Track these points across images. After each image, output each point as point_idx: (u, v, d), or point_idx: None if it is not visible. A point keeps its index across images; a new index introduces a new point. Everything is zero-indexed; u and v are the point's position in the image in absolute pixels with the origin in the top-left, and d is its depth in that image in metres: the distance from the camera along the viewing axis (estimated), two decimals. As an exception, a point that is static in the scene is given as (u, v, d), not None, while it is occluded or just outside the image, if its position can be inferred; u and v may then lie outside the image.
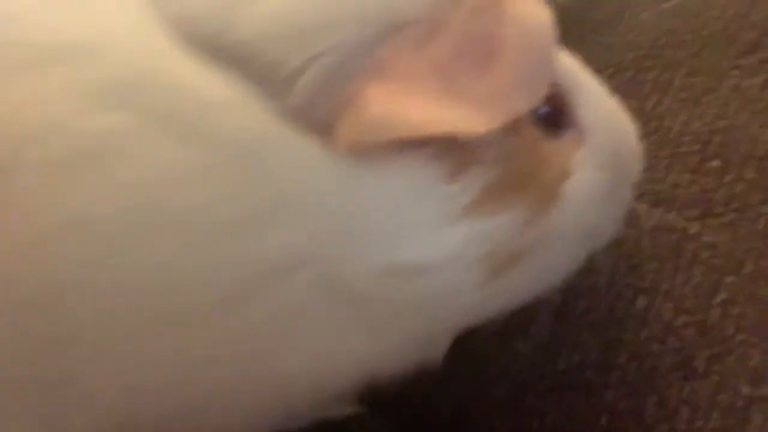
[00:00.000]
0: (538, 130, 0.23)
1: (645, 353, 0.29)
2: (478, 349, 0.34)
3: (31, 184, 0.18)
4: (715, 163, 0.31)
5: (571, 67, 0.26)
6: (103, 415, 0.20)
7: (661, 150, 0.33)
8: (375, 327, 0.23)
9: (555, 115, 0.24)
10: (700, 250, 0.30)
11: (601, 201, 0.25)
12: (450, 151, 0.21)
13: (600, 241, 0.27)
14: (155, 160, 0.18)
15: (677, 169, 0.32)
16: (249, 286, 0.20)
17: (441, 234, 0.21)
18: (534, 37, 0.21)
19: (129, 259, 0.18)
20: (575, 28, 0.40)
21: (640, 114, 0.34)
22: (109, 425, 0.20)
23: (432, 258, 0.21)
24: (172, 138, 0.18)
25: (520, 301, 0.26)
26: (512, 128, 0.22)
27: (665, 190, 0.32)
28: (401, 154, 0.20)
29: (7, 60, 0.18)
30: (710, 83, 0.33)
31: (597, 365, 0.30)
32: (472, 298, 0.23)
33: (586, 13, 0.40)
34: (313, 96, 0.20)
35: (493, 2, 0.21)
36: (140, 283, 0.18)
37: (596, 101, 0.26)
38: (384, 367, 0.24)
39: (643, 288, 0.30)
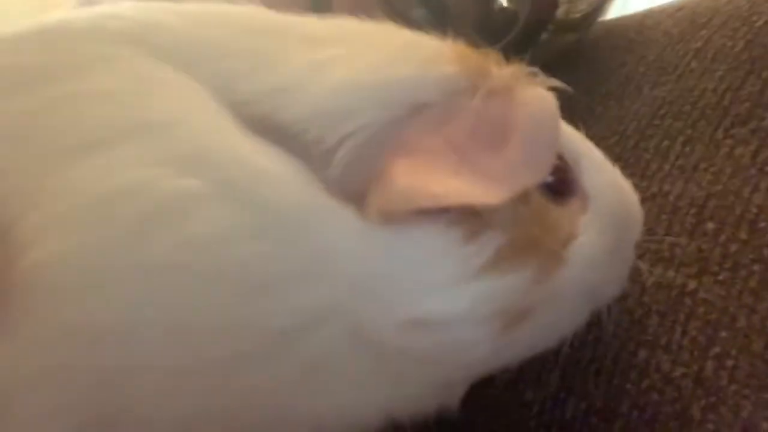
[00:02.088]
0: (546, 198, 0.25)
1: (645, 402, 0.30)
2: (491, 397, 0.35)
3: (115, 234, 0.20)
4: (711, 225, 0.33)
5: (574, 138, 0.28)
6: None
7: (661, 213, 0.35)
8: (396, 375, 0.24)
9: (560, 183, 0.26)
10: (696, 306, 0.31)
11: (605, 262, 0.27)
12: (466, 218, 0.23)
13: (604, 298, 0.29)
14: (216, 220, 0.21)
15: (676, 230, 0.34)
16: (285, 335, 0.22)
17: (458, 291, 0.23)
18: (540, 120, 0.24)
19: (185, 306, 0.20)
20: (584, 100, 0.43)
21: (642, 178, 0.37)
22: None
23: (450, 313, 0.23)
24: (230, 202, 0.21)
25: (530, 352, 0.27)
26: (522, 198, 0.24)
27: (665, 249, 0.33)
28: (423, 220, 0.23)
29: (101, 133, 0.21)
30: (706, 151, 0.35)
31: (602, 413, 0.31)
32: (485, 350, 0.25)
33: (595, 87, 0.43)
34: (346, 170, 0.22)
35: (504, 89, 0.24)
36: (194, 326, 0.21)
37: (598, 169, 0.28)
38: (404, 411, 0.26)
39: (644, 341, 0.32)
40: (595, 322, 0.34)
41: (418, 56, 0.24)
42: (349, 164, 0.22)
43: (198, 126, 0.21)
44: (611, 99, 0.42)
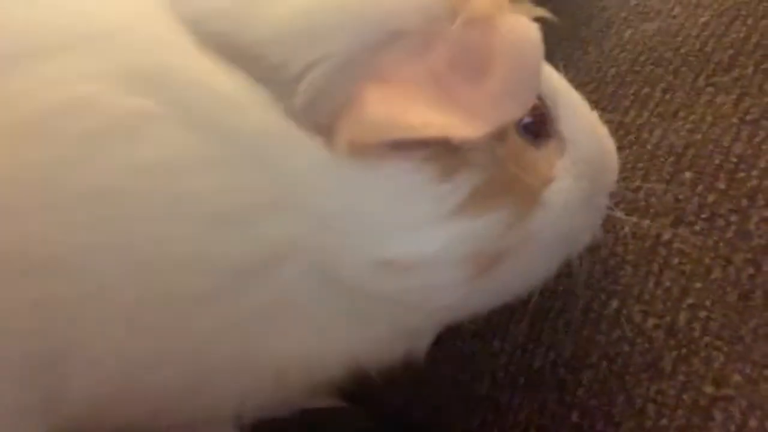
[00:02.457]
0: (523, 139, 0.24)
1: (615, 354, 0.30)
2: (458, 348, 0.35)
3: (58, 153, 0.19)
4: (689, 174, 0.32)
5: (554, 81, 0.27)
6: (100, 384, 0.21)
7: (638, 161, 0.34)
8: (364, 317, 0.24)
9: (538, 125, 0.25)
10: (670, 257, 0.31)
11: (579, 208, 0.26)
12: (442, 154, 0.22)
13: (577, 246, 0.28)
14: (170, 144, 0.19)
15: (652, 179, 0.33)
16: (246, 271, 0.21)
17: (431, 231, 0.22)
18: (523, 50, 0.22)
19: (138, 235, 0.19)
20: (563, 45, 0.41)
21: (619, 126, 0.36)
22: (105, 396, 0.21)
23: (421, 254, 0.22)
24: (186, 126, 0.19)
25: (501, 299, 0.27)
26: (499, 136, 0.23)
27: (640, 198, 0.33)
28: (397, 155, 0.21)
29: (45, 41, 0.19)
30: (686, 99, 0.34)
31: (570, 364, 0.31)
32: (456, 294, 0.24)
33: (574, 31, 0.42)
34: (315, 98, 0.21)
35: (485, 16, 0.22)
36: (145, 259, 0.19)
37: (577, 114, 0.27)
38: (371, 357, 0.25)
39: (616, 291, 0.31)
40: (565, 273, 0.33)
41: None
42: (317, 94, 0.21)
43: (150, 38, 0.20)
44: (590, 44, 0.40)
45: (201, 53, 0.20)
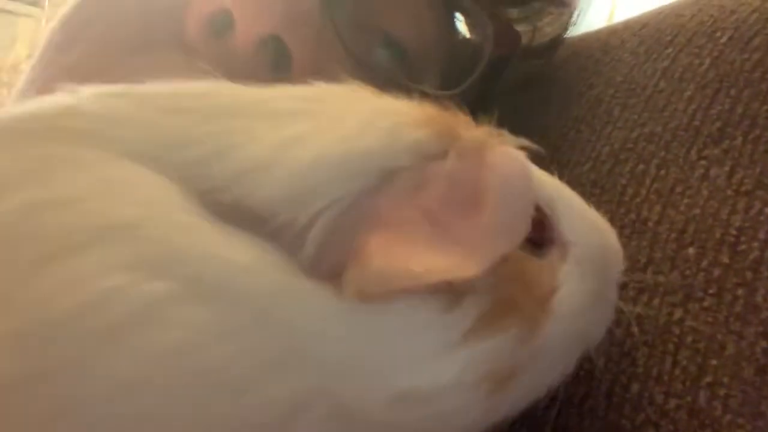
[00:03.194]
0: (525, 251, 0.25)
1: (642, 437, 0.30)
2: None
3: (81, 352, 0.19)
4: (692, 251, 0.33)
5: (548, 184, 0.28)
6: None
7: (641, 239, 0.35)
8: None
9: (539, 234, 0.26)
10: (684, 335, 0.31)
11: (589, 307, 0.27)
12: (446, 286, 0.23)
13: (592, 342, 0.29)
14: (188, 323, 0.20)
15: (657, 257, 0.34)
16: (268, 427, 0.21)
17: (444, 361, 0.23)
18: (513, 182, 0.23)
19: (165, 416, 0.20)
20: (557, 124, 0.43)
21: (619, 205, 0.37)
22: None
23: (437, 383, 0.23)
24: (201, 301, 0.20)
25: (522, 406, 0.27)
26: (501, 259, 0.23)
27: (648, 278, 0.33)
28: (403, 294, 0.22)
29: (65, 241, 0.20)
30: (681, 174, 0.35)
31: (599, 450, 0.31)
32: (475, 413, 0.24)
33: (565, 111, 0.43)
34: (321, 248, 0.22)
35: (474, 151, 0.24)
36: None
37: (576, 214, 0.28)
38: None
39: (635, 373, 0.32)
40: (585, 357, 0.34)
41: (386, 123, 0.24)
42: (323, 242, 0.22)
43: (164, 224, 0.21)
44: (582, 123, 0.42)
45: (212, 227, 0.21)
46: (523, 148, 0.24)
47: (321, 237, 0.22)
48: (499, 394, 0.24)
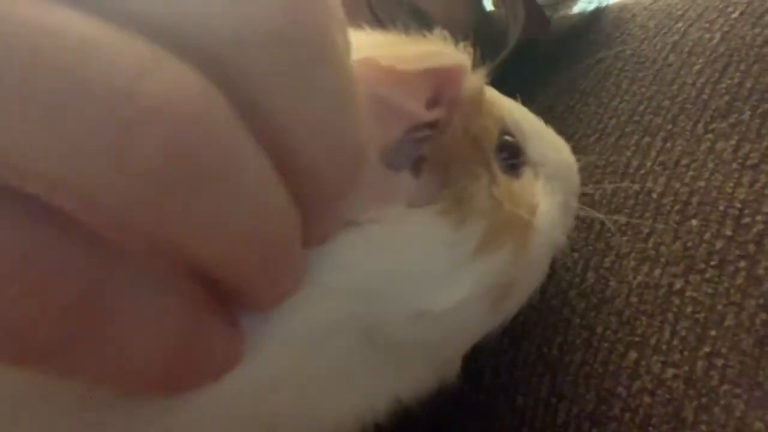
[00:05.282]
0: (507, 176, 0.27)
1: (637, 405, 0.30)
2: (483, 404, 0.35)
3: None
4: (695, 222, 0.33)
5: (516, 111, 0.30)
6: None
7: (645, 210, 0.35)
8: (402, 362, 0.25)
9: (513, 157, 0.28)
10: (684, 305, 0.31)
11: (561, 218, 0.30)
12: (452, 208, 0.24)
13: (558, 248, 0.31)
14: None
15: (660, 228, 0.34)
16: (309, 346, 0.22)
17: (456, 279, 0.24)
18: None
19: None
20: (564, 97, 0.43)
21: (623, 176, 0.37)
22: None
23: (451, 300, 0.24)
24: None
25: (513, 313, 0.29)
26: (492, 179, 0.26)
27: (650, 248, 0.33)
28: (415, 211, 0.24)
29: None
30: (687, 147, 0.35)
31: (594, 417, 0.31)
32: (481, 324, 0.27)
33: (573, 84, 0.43)
34: None
35: None
36: None
37: (539, 137, 0.30)
38: (410, 393, 0.27)
39: (633, 342, 0.32)
40: (583, 325, 0.34)
41: None
42: None
43: None
44: (590, 95, 0.41)
45: None
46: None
47: None
48: (500, 305, 0.26)
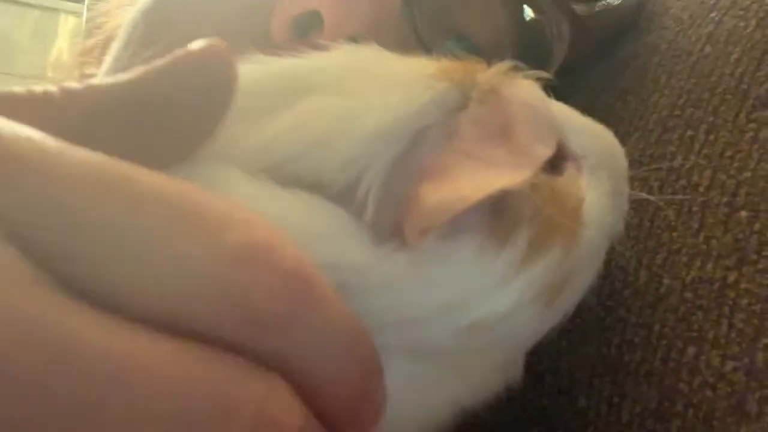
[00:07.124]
0: (548, 176, 0.27)
1: (700, 400, 0.30)
2: (545, 407, 0.36)
3: None
4: (744, 213, 0.33)
5: (553, 107, 0.30)
6: None
7: (693, 204, 0.35)
8: (460, 371, 0.26)
9: (555, 155, 0.28)
10: (739, 298, 0.31)
11: (611, 207, 0.30)
12: (495, 229, 0.25)
13: (615, 235, 0.31)
14: None
15: (709, 222, 0.34)
16: None
17: (505, 289, 0.25)
18: (534, 103, 0.26)
19: None
20: (602, 96, 0.43)
21: (669, 172, 0.37)
22: None
23: (502, 309, 0.25)
24: None
25: (571, 310, 0.29)
26: (533, 186, 0.25)
27: (701, 242, 0.34)
28: (461, 239, 0.24)
29: None
30: (731, 138, 0.35)
31: (657, 414, 0.32)
32: (535, 325, 0.27)
33: (611, 83, 0.43)
34: (379, 208, 0.24)
35: (491, 91, 0.26)
36: None
37: (578, 128, 0.30)
38: (474, 399, 0.28)
39: (691, 337, 0.32)
40: (639, 323, 0.34)
41: (407, 84, 0.25)
42: (380, 204, 0.24)
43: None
44: (629, 93, 0.41)
45: (290, 193, 0.23)
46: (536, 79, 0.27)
47: (377, 198, 0.24)
48: (555, 303, 0.27)
